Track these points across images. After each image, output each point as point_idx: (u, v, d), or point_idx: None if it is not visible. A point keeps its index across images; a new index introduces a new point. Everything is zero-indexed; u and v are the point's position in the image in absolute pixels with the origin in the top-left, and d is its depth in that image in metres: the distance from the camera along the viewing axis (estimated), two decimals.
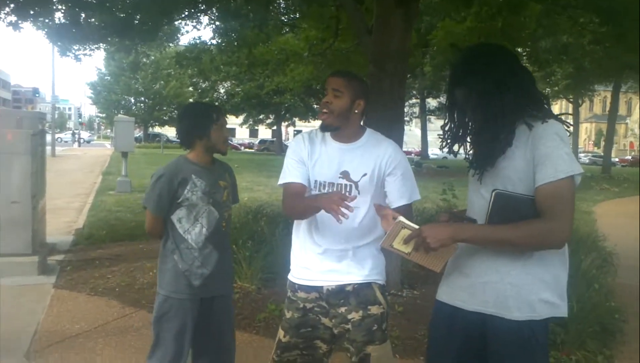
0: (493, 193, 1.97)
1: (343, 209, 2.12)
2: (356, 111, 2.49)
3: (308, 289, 2.54)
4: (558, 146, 1.89)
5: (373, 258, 2.54)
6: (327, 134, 2.56)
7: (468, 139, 2.16)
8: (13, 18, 6.80)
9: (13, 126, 6.26)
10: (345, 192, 2.45)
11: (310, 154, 2.54)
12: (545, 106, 2.03)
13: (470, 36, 8.63)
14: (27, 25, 7.18)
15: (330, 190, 2.48)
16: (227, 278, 3.00)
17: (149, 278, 5.88)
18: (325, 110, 2.46)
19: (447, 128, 2.18)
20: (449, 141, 2.18)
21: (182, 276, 2.87)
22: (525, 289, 1.97)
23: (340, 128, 2.49)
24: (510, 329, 1.97)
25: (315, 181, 2.52)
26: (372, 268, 2.52)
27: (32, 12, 6.94)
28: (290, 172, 2.53)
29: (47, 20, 7.52)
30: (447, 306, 2.16)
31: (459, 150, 2.22)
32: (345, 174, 2.48)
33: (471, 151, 2.16)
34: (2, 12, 6.60)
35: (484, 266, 2.04)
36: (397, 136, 4.60)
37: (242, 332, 4.60)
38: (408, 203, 2.51)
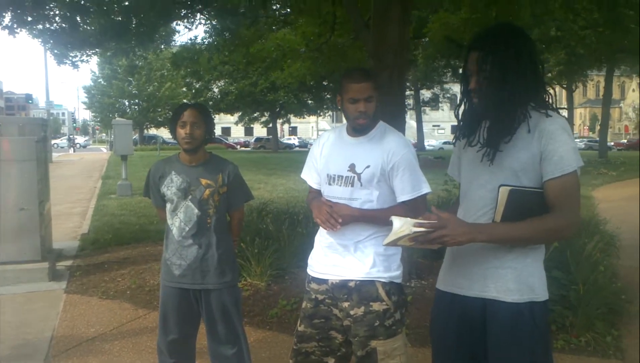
0: (503, 189, 1.99)
1: (331, 221, 2.40)
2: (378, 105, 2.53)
3: (319, 281, 2.62)
4: (566, 141, 1.93)
5: (377, 255, 2.50)
6: (344, 130, 2.63)
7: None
8: (9, 22, 6.79)
9: (15, 134, 6.27)
10: (348, 184, 2.50)
11: (324, 151, 2.66)
12: (547, 98, 2.04)
13: (465, 28, 8.67)
14: (21, 32, 7.17)
15: (338, 182, 2.53)
16: (212, 273, 3.04)
17: (159, 279, 5.90)
18: (362, 119, 2.47)
19: (460, 110, 2.17)
20: (461, 123, 2.17)
21: (166, 264, 3.11)
22: (525, 272, 2.02)
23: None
24: (509, 311, 2.01)
25: (327, 174, 2.58)
26: (373, 265, 2.49)
27: (29, 19, 6.94)
28: (305, 171, 2.77)
29: (44, 27, 7.50)
30: (447, 294, 2.21)
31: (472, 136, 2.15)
32: (352, 167, 2.50)
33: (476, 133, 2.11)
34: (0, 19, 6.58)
35: (483, 252, 2.06)
36: (398, 129, 4.66)
37: (256, 328, 4.63)
38: (412, 198, 2.48)
